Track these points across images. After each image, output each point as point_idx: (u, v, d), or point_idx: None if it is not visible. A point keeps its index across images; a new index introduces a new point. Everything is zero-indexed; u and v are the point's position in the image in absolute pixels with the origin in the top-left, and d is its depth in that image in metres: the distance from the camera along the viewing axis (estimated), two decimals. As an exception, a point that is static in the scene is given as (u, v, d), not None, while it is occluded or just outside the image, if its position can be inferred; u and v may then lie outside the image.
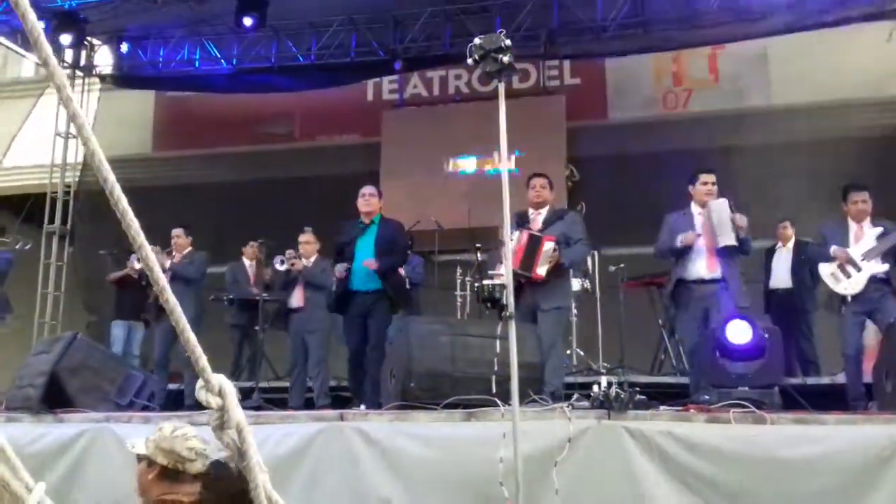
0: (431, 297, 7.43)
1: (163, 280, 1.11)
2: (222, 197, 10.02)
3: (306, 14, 9.06)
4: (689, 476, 3.80)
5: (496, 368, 4.34)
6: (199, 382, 1.20)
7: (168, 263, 7.06)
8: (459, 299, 7.45)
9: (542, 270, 5.18)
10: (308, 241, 6.83)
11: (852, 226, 5.36)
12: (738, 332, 4.74)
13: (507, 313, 3.69)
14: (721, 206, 5.16)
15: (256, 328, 7.00)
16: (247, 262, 8.05)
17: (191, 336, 1.17)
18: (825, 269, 5.32)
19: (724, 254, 5.16)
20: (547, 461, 3.86)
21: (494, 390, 4.30)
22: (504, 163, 3.84)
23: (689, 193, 5.42)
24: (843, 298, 5.25)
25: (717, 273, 5.16)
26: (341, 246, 5.86)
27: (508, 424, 3.70)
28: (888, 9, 7.93)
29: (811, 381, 6.35)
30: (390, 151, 10.05)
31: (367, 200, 5.87)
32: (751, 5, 8.11)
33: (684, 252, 5.23)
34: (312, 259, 6.78)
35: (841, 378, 6.32)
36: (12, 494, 1.00)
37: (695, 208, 5.36)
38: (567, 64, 9.94)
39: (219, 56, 9.57)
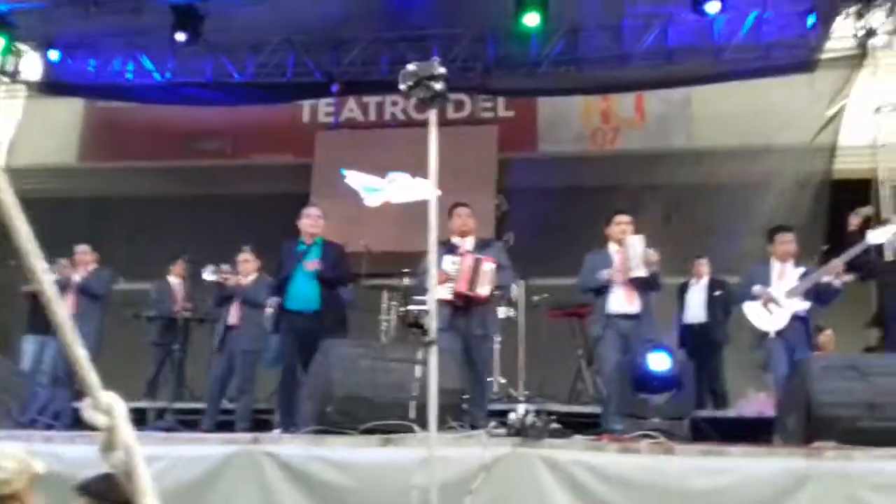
0: (357, 320, 7.37)
1: (51, 290, 1.08)
2: (148, 211, 9.76)
3: (244, 32, 9.00)
4: (598, 504, 3.86)
5: (415, 393, 4.35)
6: (87, 401, 1.17)
7: (77, 277, 6.88)
8: (384, 324, 7.43)
9: (484, 291, 5.34)
10: (247, 260, 6.74)
11: (775, 266, 5.63)
12: (659, 361, 4.92)
13: (427, 339, 3.71)
14: (637, 241, 5.44)
15: (174, 347, 6.83)
16: (173, 280, 7.88)
17: (78, 351, 1.14)
18: (750, 309, 5.55)
19: (640, 288, 5.40)
20: (461, 489, 3.86)
21: (413, 415, 4.30)
22: (434, 188, 3.87)
23: (605, 234, 5.66)
24: (765, 335, 5.47)
25: (634, 307, 5.41)
26: (282, 270, 5.83)
27: (424, 451, 3.70)
28: (809, 60, 8.40)
29: (720, 414, 6.56)
30: (322, 172, 10.01)
31: (315, 222, 5.89)
32: (676, 52, 8.48)
33: (606, 287, 5.46)
34: (251, 277, 6.69)
35: (748, 411, 6.57)
36: None
37: (612, 247, 5.61)
38: (501, 97, 10.14)
39: (152, 69, 9.39)
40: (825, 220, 8.00)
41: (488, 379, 6.47)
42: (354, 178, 9.84)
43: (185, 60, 9.30)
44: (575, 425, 4.88)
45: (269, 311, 6.17)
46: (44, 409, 5.20)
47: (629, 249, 5.43)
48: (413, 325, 6.58)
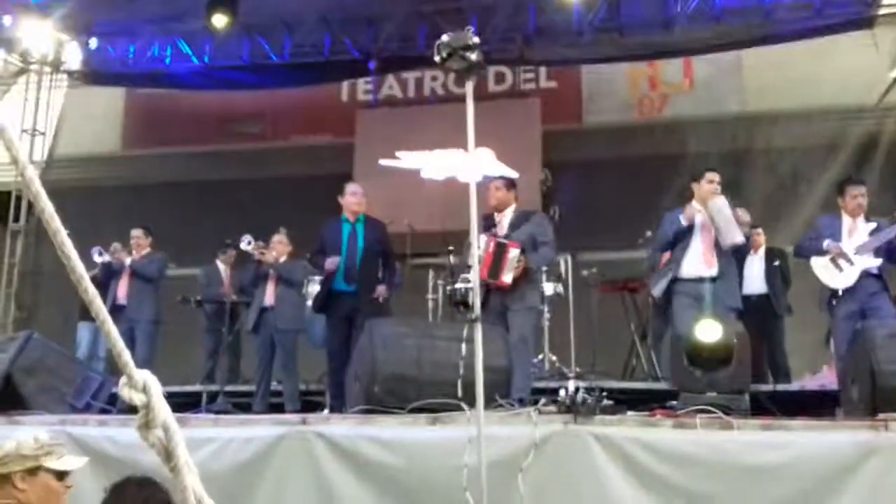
0: (403, 300, 7.34)
1: (80, 269, 1.07)
2: (192, 196, 9.86)
3: (279, 12, 8.96)
4: (654, 482, 3.75)
5: (461, 372, 4.27)
6: (123, 379, 1.14)
7: (128, 261, 6.96)
8: (431, 302, 7.39)
9: (507, 278, 5.16)
10: (281, 242, 6.79)
11: (846, 220, 5.41)
12: (708, 331, 4.70)
13: (473, 316, 3.63)
14: (723, 204, 5.15)
15: (223, 330, 6.90)
16: (221, 265, 7.94)
17: (112, 329, 1.12)
18: (817, 263, 5.35)
19: (726, 251, 5.15)
20: (512, 467, 3.79)
21: (461, 394, 4.23)
22: (473, 162, 3.77)
23: (691, 191, 5.37)
24: (833, 293, 5.25)
25: (713, 270, 5.14)
26: (325, 247, 5.78)
27: (473, 429, 3.63)
28: (867, 15, 7.99)
29: (781, 387, 6.34)
30: (364, 152, 9.95)
31: (360, 200, 5.86)
32: (725, 14, 8.14)
33: (683, 245, 5.18)
34: (283, 259, 6.73)
35: (811, 385, 6.35)
36: None
37: (694, 205, 5.30)
38: (543, 67, 9.92)
39: (190, 53, 9.43)
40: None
41: (539, 356, 6.37)
42: (406, 159, 9.73)
43: (221, 43, 9.31)
44: (629, 402, 4.75)
45: (311, 290, 6.16)
46: (98, 394, 5.27)
47: (717, 215, 5.11)
48: (460, 303, 6.50)
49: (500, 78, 10.02)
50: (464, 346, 4.32)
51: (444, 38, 3.56)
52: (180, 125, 10.42)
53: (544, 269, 6.00)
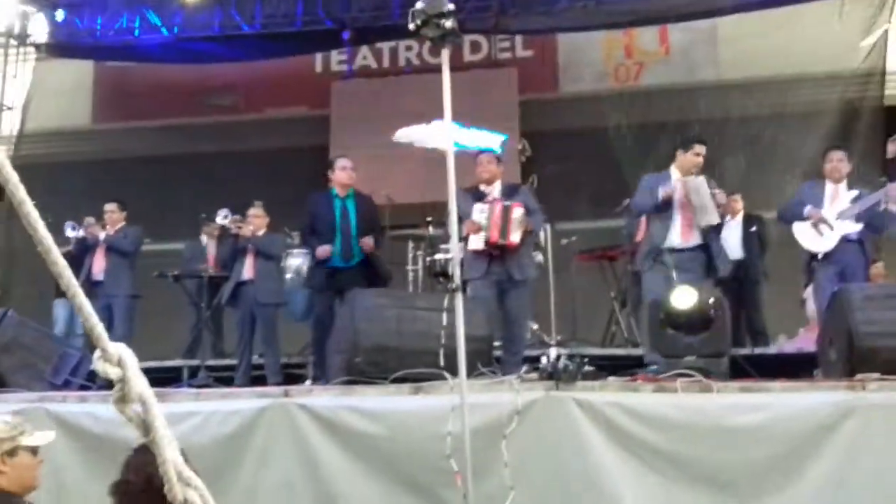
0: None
1: (48, 241, 1.03)
2: (165, 170, 9.70)
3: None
4: (637, 446, 3.80)
5: (443, 341, 4.28)
6: (97, 353, 1.11)
7: (102, 235, 6.86)
8: (411, 274, 7.37)
9: (515, 237, 5.25)
10: (257, 216, 6.72)
11: (829, 187, 5.48)
12: (683, 298, 4.71)
13: (452, 285, 3.63)
14: (701, 184, 5.13)
15: (202, 304, 6.84)
16: (205, 239, 7.85)
17: (84, 302, 1.08)
18: (798, 228, 5.44)
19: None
20: (495, 434, 3.81)
21: (442, 363, 4.24)
22: (449, 131, 3.73)
23: (674, 156, 5.33)
24: (813, 256, 5.34)
25: (690, 242, 5.16)
26: (315, 222, 5.76)
27: (456, 398, 3.65)
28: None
29: (759, 351, 6.44)
30: (340, 124, 9.84)
31: (350, 175, 5.86)
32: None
33: (662, 213, 5.18)
34: (261, 233, 6.67)
35: (788, 348, 6.44)
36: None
37: (674, 172, 5.29)
38: (519, 36, 9.84)
39: (160, 24, 9.22)
40: (881, 148, 7.70)
41: (532, 326, 6.42)
42: (408, 133, 9.60)
43: (192, 14, 9.11)
44: (609, 368, 4.79)
45: (289, 262, 6.10)
46: (76, 371, 5.22)
47: (694, 195, 5.10)
48: (440, 273, 6.50)
49: (475, 47, 9.93)
50: (445, 315, 4.33)
51: (419, 5, 3.51)
52: (152, 98, 10.22)
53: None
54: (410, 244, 7.53)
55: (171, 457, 1.13)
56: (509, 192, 5.55)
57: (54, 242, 1.05)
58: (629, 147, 7.83)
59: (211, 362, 6.73)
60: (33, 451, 2.58)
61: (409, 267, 7.41)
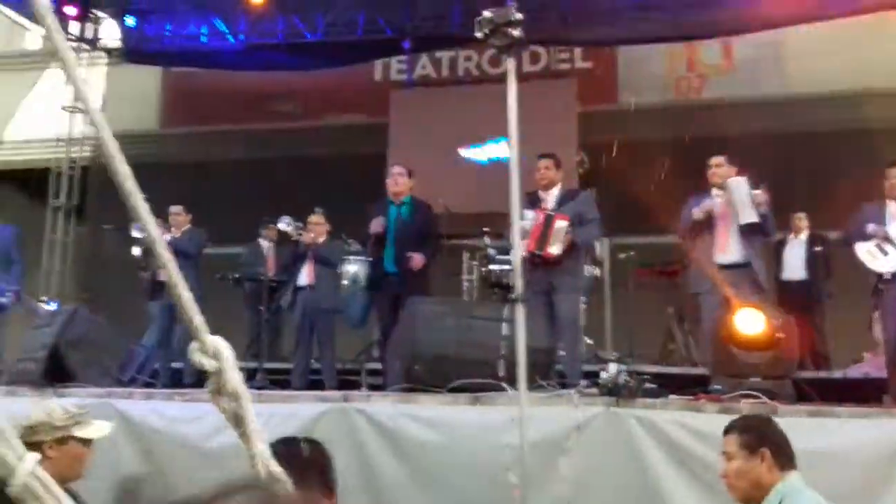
0: (438, 281, 7.32)
1: (162, 245, 1.09)
2: (227, 175, 9.89)
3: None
4: (700, 467, 3.71)
5: (502, 352, 4.26)
6: (193, 344, 1.12)
7: (168, 237, 7.00)
8: (466, 284, 7.36)
9: (554, 249, 5.10)
10: (318, 223, 6.76)
11: (890, 205, 5.30)
12: (749, 321, 4.62)
13: (513, 296, 3.59)
14: (739, 183, 5.11)
15: (261, 308, 6.92)
16: (264, 243, 7.96)
17: (185, 293, 1.10)
18: (861, 248, 5.26)
19: (747, 235, 5.10)
20: (554, 448, 3.78)
21: (501, 374, 4.21)
22: (514, 142, 3.72)
23: (705, 179, 5.35)
24: (879, 277, 5.18)
25: (733, 257, 5.10)
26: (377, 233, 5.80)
27: (515, 409, 3.61)
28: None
29: (823, 374, 6.24)
30: (398, 133, 9.91)
31: (395, 180, 5.84)
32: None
33: (703, 231, 5.15)
34: (321, 240, 6.73)
35: (853, 373, 6.22)
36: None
37: (713, 192, 5.29)
38: (578, 47, 9.78)
39: (226, 31, 9.44)
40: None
41: (587, 341, 6.33)
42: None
43: (256, 21, 9.29)
44: (667, 386, 4.70)
45: (347, 269, 6.13)
46: (142, 369, 5.34)
47: (733, 193, 5.09)
48: (495, 285, 6.47)
49: (534, 58, 9.91)
50: (504, 326, 4.30)
51: (486, 13, 3.51)
52: (216, 104, 10.44)
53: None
54: (465, 254, 7.52)
55: (260, 450, 1.14)
56: (567, 197, 5.43)
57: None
58: (690, 161, 7.70)
59: (268, 365, 6.81)
60: (85, 442, 2.59)
61: (465, 277, 7.40)
